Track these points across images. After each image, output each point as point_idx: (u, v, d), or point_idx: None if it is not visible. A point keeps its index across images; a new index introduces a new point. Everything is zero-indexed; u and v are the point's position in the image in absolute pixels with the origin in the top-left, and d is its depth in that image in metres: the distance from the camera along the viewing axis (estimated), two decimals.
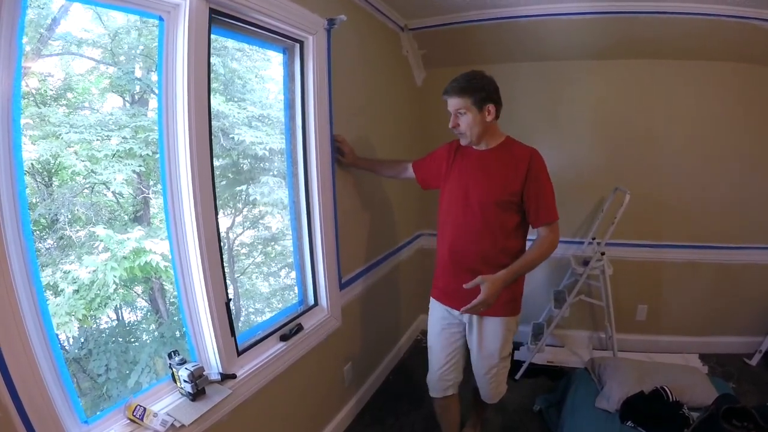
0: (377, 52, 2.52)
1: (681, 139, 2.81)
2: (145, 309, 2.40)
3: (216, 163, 1.53)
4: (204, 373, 1.43)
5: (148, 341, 2.23)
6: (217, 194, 1.50)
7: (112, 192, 2.06)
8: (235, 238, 2.99)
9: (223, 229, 2.69)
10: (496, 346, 1.82)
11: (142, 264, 1.96)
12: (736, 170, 2.80)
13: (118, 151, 1.88)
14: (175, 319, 2.27)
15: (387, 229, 2.78)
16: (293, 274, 2.17)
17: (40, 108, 1.69)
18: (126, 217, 2.16)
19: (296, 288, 2.15)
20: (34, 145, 1.62)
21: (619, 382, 2.15)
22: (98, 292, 1.87)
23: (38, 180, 1.78)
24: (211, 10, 1.41)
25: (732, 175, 2.81)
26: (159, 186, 1.45)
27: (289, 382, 1.86)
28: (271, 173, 2.63)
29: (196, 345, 1.53)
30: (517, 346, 3.06)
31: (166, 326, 2.29)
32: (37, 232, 1.79)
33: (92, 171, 1.87)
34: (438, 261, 1.92)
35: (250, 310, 3.02)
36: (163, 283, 2.27)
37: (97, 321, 2.05)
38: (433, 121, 3.16)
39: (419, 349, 3.26)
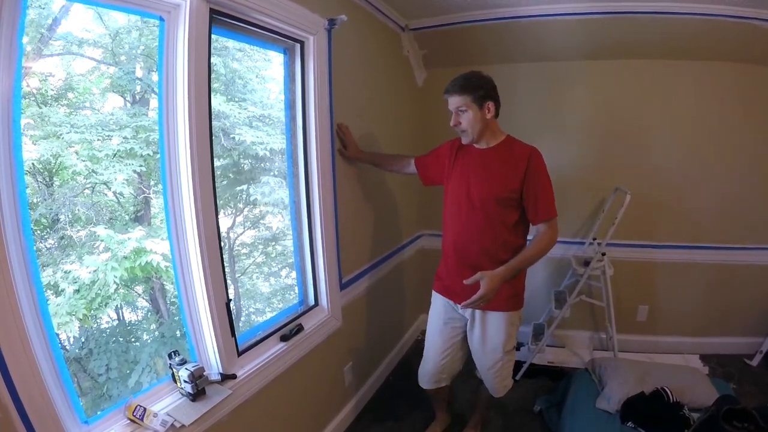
0: (378, 52, 2.52)
1: (681, 140, 2.81)
2: (145, 309, 2.40)
3: (217, 163, 1.53)
4: (204, 373, 1.43)
5: (148, 341, 2.23)
6: (217, 194, 1.50)
7: (113, 192, 2.06)
8: (236, 238, 2.99)
9: (223, 229, 2.70)
10: (500, 341, 1.86)
11: (142, 264, 1.97)
12: (737, 170, 2.80)
13: (118, 151, 1.88)
14: (176, 318, 2.27)
15: (388, 229, 2.77)
16: (294, 274, 2.17)
17: (41, 108, 1.69)
18: (127, 217, 2.16)
19: (296, 288, 2.15)
20: (35, 145, 1.62)
21: (619, 383, 2.15)
22: (99, 291, 1.87)
23: (39, 180, 1.79)
24: (212, 11, 1.41)
25: (733, 175, 2.80)
26: (160, 186, 1.45)
27: (289, 383, 1.86)
28: (272, 173, 2.63)
29: (197, 345, 1.53)
30: (517, 346, 3.04)
31: (166, 326, 2.29)
32: (38, 232, 1.80)
33: (93, 171, 1.87)
34: (442, 256, 1.98)
35: (251, 310, 3.02)
36: (164, 283, 2.27)
37: (98, 321, 2.05)
38: (433, 121, 3.16)
39: (420, 350, 3.24)
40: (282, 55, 1.92)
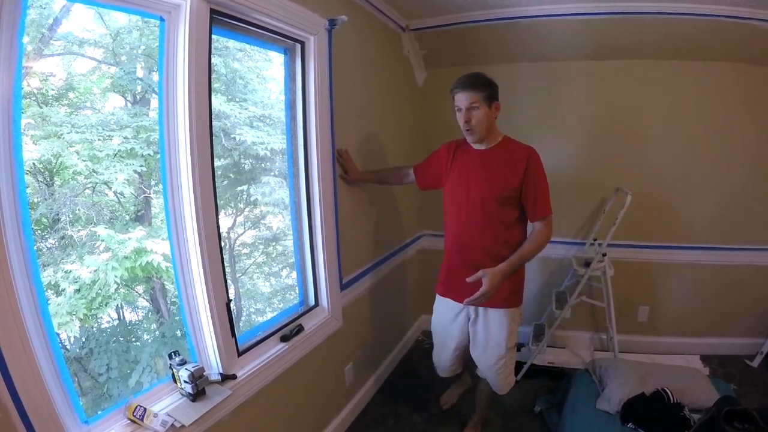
0: (378, 52, 2.52)
1: (682, 140, 2.80)
2: (146, 309, 2.40)
3: (217, 163, 1.53)
4: (204, 373, 1.43)
5: (149, 341, 2.23)
6: (218, 194, 1.50)
7: (114, 192, 2.06)
8: (237, 238, 2.99)
9: (224, 229, 2.70)
10: (502, 337, 1.91)
11: (143, 264, 1.96)
12: (738, 171, 2.79)
13: (119, 150, 1.88)
14: (177, 318, 2.27)
15: (388, 229, 2.77)
16: (294, 275, 2.17)
17: (41, 108, 1.69)
18: (127, 217, 2.16)
19: (297, 288, 2.15)
20: (36, 144, 1.62)
21: (620, 384, 2.15)
22: (99, 291, 1.87)
23: (40, 180, 1.78)
24: (212, 11, 1.41)
25: (734, 175, 2.80)
26: (160, 186, 1.45)
27: (289, 383, 1.86)
28: (273, 173, 2.63)
29: (197, 345, 1.53)
30: (518, 346, 3.06)
31: (167, 326, 2.29)
32: (39, 232, 1.79)
33: (94, 171, 1.87)
34: (444, 257, 2.03)
35: (252, 310, 3.02)
36: (165, 283, 2.27)
37: (99, 320, 2.05)
38: (434, 121, 3.16)
39: (421, 350, 3.26)
40: (282, 55, 1.92)
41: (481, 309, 1.89)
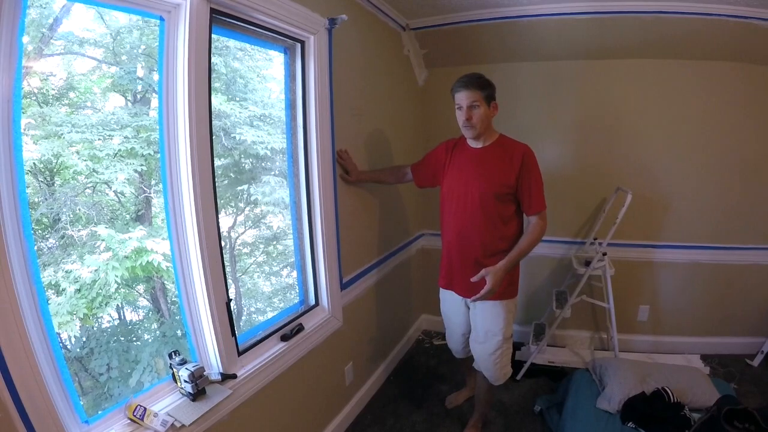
0: (378, 51, 2.52)
1: (682, 139, 2.80)
2: (146, 308, 2.41)
3: (218, 162, 1.53)
4: (204, 373, 1.43)
5: (149, 340, 2.23)
6: (219, 194, 1.50)
7: (114, 191, 2.07)
8: (237, 238, 2.99)
9: (224, 228, 2.70)
10: (499, 327, 1.98)
11: (143, 263, 1.97)
12: (739, 169, 2.78)
13: (119, 150, 1.88)
14: (177, 318, 2.27)
15: (389, 228, 2.77)
16: (295, 274, 2.17)
17: (42, 108, 1.69)
18: (128, 217, 2.16)
19: (297, 288, 2.15)
20: (36, 144, 1.62)
21: (620, 383, 2.15)
22: (100, 291, 1.88)
23: (40, 179, 1.79)
24: (212, 10, 1.41)
25: (735, 174, 2.79)
26: (161, 185, 1.45)
27: (289, 383, 1.86)
28: (273, 173, 2.63)
29: (197, 345, 1.53)
30: (518, 346, 3.06)
31: (167, 325, 2.30)
32: (39, 232, 1.80)
33: (94, 170, 1.87)
34: (443, 252, 2.09)
35: (252, 309, 3.02)
36: (165, 282, 2.27)
37: (99, 320, 2.06)
38: (434, 120, 3.16)
39: (421, 349, 3.26)
40: (283, 54, 1.92)
41: (479, 302, 1.96)
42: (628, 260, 2.96)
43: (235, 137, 2.38)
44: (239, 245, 3.03)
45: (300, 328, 1.91)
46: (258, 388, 1.65)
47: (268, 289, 3.14)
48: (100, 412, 1.24)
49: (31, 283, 1.04)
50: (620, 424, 1.99)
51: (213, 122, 1.46)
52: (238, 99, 2.51)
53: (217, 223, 1.50)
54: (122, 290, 2.05)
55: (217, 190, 1.49)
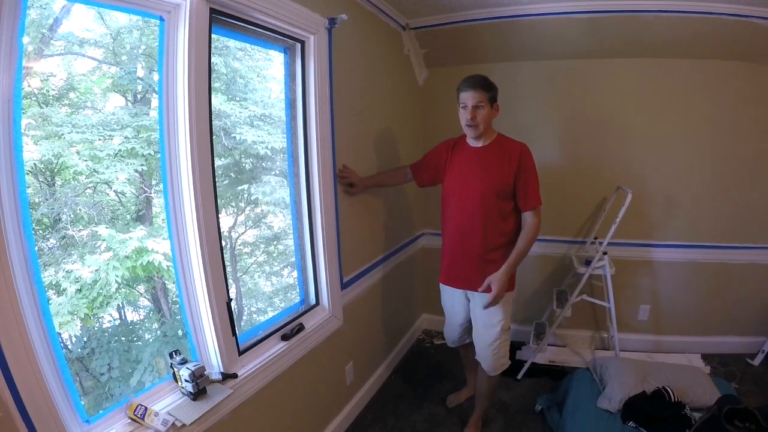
0: (378, 51, 2.52)
1: (684, 138, 2.79)
2: (147, 308, 2.41)
3: (218, 162, 1.53)
4: (205, 372, 1.43)
5: (150, 340, 2.23)
6: (219, 193, 1.50)
7: (115, 191, 2.07)
8: (238, 238, 3.00)
9: (225, 228, 2.70)
10: (498, 318, 2.04)
11: (144, 263, 1.97)
12: (740, 169, 2.78)
13: (120, 150, 1.88)
14: (178, 318, 2.27)
15: (389, 228, 2.77)
16: (295, 274, 2.18)
17: (42, 108, 1.69)
18: (128, 217, 2.16)
19: (298, 287, 2.15)
20: (37, 145, 1.62)
21: (620, 383, 2.15)
22: (100, 291, 1.88)
23: (41, 180, 1.79)
24: (212, 10, 1.41)
25: (736, 173, 2.79)
26: (161, 185, 1.46)
27: (290, 382, 1.86)
28: (273, 172, 2.63)
29: (198, 344, 1.53)
30: (519, 345, 3.06)
31: (168, 325, 2.30)
32: (40, 232, 1.80)
33: (94, 170, 1.87)
34: (444, 248, 2.15)
35: (253, 309, 3.02)
36: (166, 282, 2.27)
37: (100, 320, 2.06)
38: (435, 120, 3.16)
39: (421, 349, 3.26)
40: (283, 54, 1.92)
41: (478, 294, 2.03)
42: (629, 259, 2.96)
43: (235, 137, 2.38)
44: (240, 245, 3.03)
45: (300, 328, 1.91)
46: (259, 388, 1.66)
47: (268, 289, 3.14)
48: (100, 412, 1.25)
49: (31, 283, 1.04)
50: (621, 423, 1.99)
51: (213, 122, 1.46)
52: (238, 99, 2.51)
53: (218, 222, 1.50)
54: (123, 290, 2.05)
55: (217, 189, 1.50)
